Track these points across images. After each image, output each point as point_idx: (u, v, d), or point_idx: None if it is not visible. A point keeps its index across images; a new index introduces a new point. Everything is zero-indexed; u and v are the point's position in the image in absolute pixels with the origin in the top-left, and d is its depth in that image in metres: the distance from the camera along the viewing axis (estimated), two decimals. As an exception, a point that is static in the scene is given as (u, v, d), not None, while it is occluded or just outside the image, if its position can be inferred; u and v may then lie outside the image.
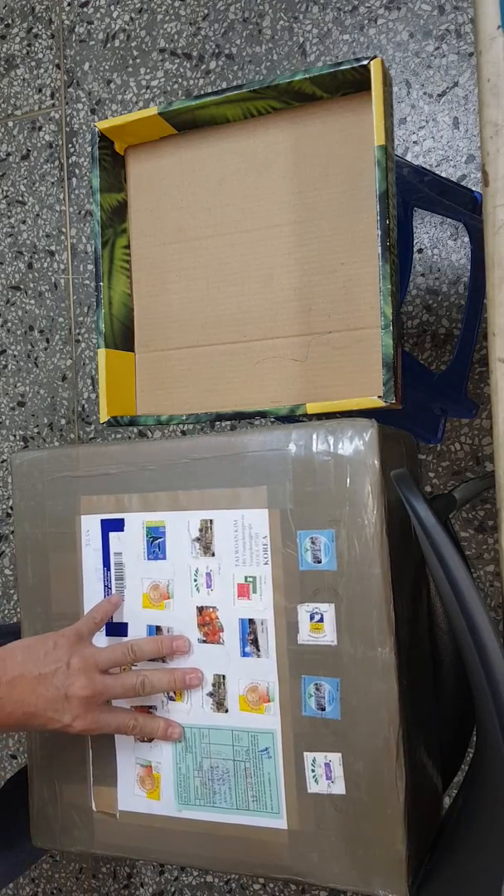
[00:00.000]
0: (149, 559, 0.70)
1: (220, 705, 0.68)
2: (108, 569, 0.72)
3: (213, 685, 0.68)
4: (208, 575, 0.68)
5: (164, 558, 0.70)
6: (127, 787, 0.72)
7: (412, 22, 1.18)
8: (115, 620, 0.72)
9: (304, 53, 1.25)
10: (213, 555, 0.68)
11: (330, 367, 0.72)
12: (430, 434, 1.11)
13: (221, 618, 0.67)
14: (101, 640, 0.71)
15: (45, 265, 1.48)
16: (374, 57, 0.64)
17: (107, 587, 0.72)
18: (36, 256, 1.49)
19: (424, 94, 1.17)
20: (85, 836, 0.73)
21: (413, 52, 1.18)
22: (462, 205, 1.04)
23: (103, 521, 0.72)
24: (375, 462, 0.62)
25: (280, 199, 0.74)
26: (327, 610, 0.63)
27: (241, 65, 1.30)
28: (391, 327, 0.65)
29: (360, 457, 0.62)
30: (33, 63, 1.49)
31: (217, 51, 1.32)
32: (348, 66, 0.66)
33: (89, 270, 1.45)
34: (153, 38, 1.37)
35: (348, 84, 0.68)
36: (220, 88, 0.71)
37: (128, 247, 0.81)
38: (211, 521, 0.68)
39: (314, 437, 0.64)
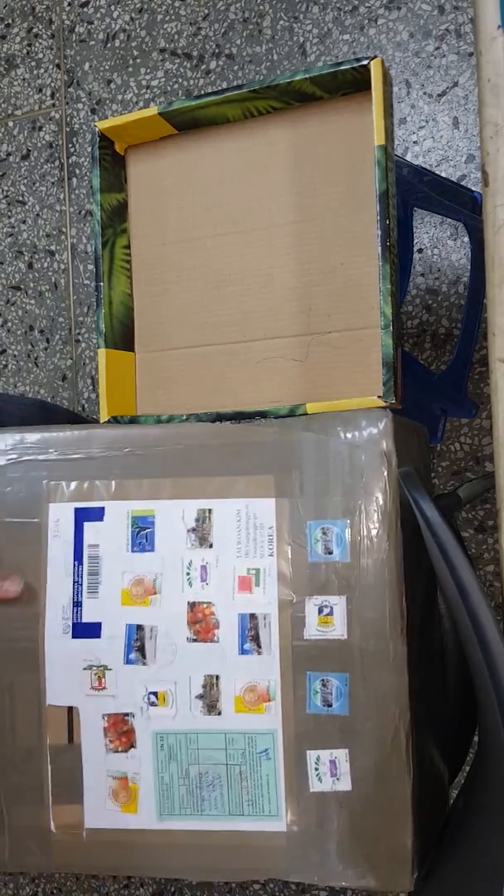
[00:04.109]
0: (133, 551, 0.65)
1: (211, 708, 0.65)
2: (81, 563, 0.66)
3: (204, 686, 0.65)
4: (203, 568, 0.65)
5: (151, 550, 0.65)
6: (96, 802, 0.66)
7: (412, 22, 1.18)
8: (85, 620, 0.66)
9: (304, 53, 1.25)
10: (210, 546, 0.65)
11: (330, 367, 0.72)
12: (430, 434, 1.11)
13: (218, 613, 0.64)
14: (68, 642, 0.67)
15: (45, 265, 1.48)
16: (374, 57, 0.64)
17: (77, 583, 0.67)
18: (36, 256, 1.49)
19: (424, 93, 1.17)
20: (40, 859, 0.67)
21: (413, 52, 1.18)
22: (462, 205, 1.04)
23: (78, 510, 0.66)
24: (390, 451, 0.61)
25: (280, 199, 0.73)
26: (338, 602, 0.62)
27: (241, 65, 1.30)
28: (391, 327, 0.65)
29: (374, 446, 0.62)
30: (33, 63, 1.49)
31: (217, 51, 1.31)
32: (348, 66, 0.66)
33: (89, 270, 1.45)
34: (153, 38, 1.37)
35: (348, 84, 0.68)
36: (220, 88, 0.71)
37: (128, 247, 0.81)
38: (210, 510, 0.65)
39: (328, 426, 0.63)
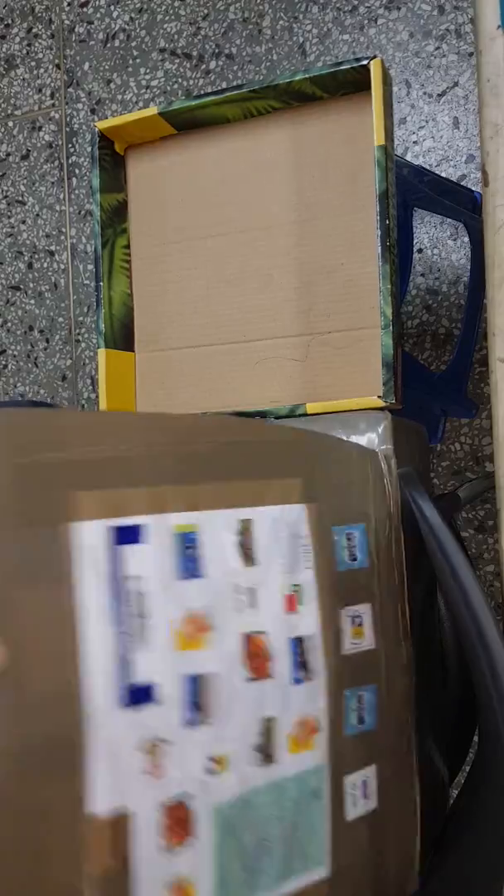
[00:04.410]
0: (182, 579, 0.48)
1: (267, 757, 0.51)
2: (123, 604, 0.46)
3: (261, 734, 0.51)
4: (251, 591, 0.52)
5: (200, 576, 0.50)
6: None
7: (412, 22, 1.18)
8: (138, 681, 0.46)
9: (303, 53, 1.25)
10: (253, 563, 0.52)
11: (330, 367, 0.72)
12: (430, 434, 1.11)
13: (270, 643, 0.52)
14: (118, 717, 0.45)
15: (45, 265, 1.48)
16: (374, 57, 0.64)
17: (124, 633, 0.46)
18: (36, 256, 1.49)
19: (424, 93, 1.17)
20: None
21: (413, 52, 1.18)
22: (462, 205, 1.04)
23: (114, 530, 0.46)
24: (390, 452, 0.61)
25: (280, 198, 0.73)
26: (365, 611, 0.57)
27: (241, 65, 1.30)
28: (391, 327, 0.65)
29: (374, 448, 0.61)
30: (33, 63, 1.48)
31: (217, 51, 1.31)
32: (348, 66, 0.66)
33: (89, 270, 1.45)
34: (153, 38, 1.37)
35: (348, 84, 0.68)
36: (220, 88, 0.71)
37: (128, 247, 0.81)
38: (250, 520, 0.52)
39: (328, 427, 0.63)
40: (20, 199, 1.50)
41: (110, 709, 0.45)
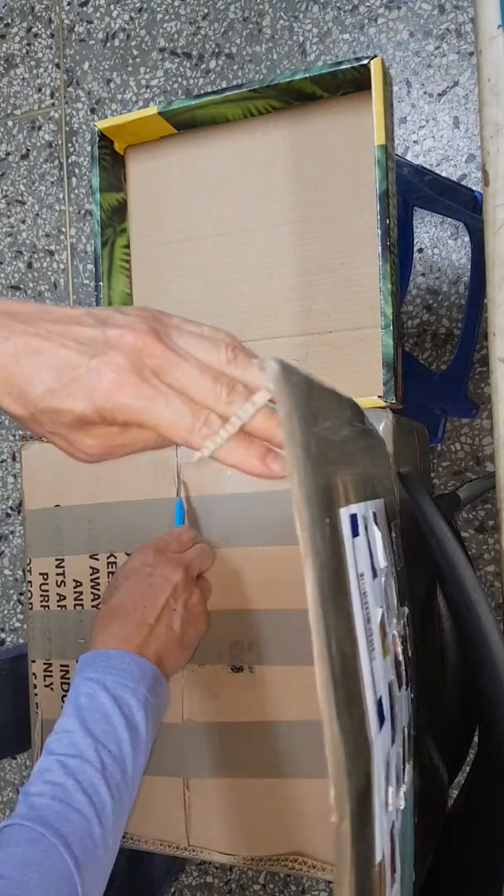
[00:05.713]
0: (373, 577, 0.40)
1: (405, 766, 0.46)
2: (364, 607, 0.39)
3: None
4: (390, 588, 0.46)
5: (377, 574, 0.42)
6: None
7: (412, 21, 1.18)
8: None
9: (304, 53, 1.25)
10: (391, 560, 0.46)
11: (330, 367, 0.72)
12: (430, 434, 1.11)
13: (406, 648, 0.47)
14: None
15: (45, 265, 1.48)
16: (375, 56, 0.64)
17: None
18: (35, 256, 1.49)
19: (424, 93, 1.17)
20: None
21: (413, 51, 1.18)
22: (462, 204, 1.04)
23: (349, 519, 0.38)
24: (390, 453, 0.61)
25: (280, 198, 0.73)
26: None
27: (241, 64, 1.29)
28: (391, 327, 0.64)
29: None
30: (33, 62, 1.48)
31: (217, 50, 1.31)
32: (348, 66, 0.65)
33: (89, 270, 1.44)
34: (153, 38, 1.37)
35: (348, 83, 0.68)
36: (219, 88, 0.71)
37: (127, 246, 0.81)
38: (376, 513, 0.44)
39: None
40: (20, 198, 1.50)
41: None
